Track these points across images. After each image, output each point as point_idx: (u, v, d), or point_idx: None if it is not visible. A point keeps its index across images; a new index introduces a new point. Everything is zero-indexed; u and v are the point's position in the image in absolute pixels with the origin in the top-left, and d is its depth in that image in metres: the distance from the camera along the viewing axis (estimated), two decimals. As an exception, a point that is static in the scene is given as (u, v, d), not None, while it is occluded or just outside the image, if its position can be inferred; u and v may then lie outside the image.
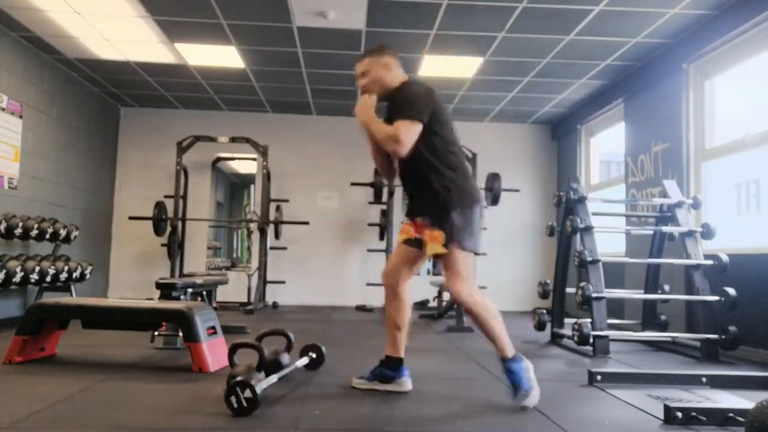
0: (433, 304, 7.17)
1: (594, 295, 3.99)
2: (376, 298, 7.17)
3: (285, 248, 7.57)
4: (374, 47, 2.83)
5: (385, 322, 2.80)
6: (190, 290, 4.10)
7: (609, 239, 5.86)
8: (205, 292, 4.54)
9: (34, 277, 4.90)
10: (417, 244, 2.65)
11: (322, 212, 7.84)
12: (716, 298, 4.00)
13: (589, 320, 3.98)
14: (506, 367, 2.49)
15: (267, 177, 7.19)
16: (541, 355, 4.13)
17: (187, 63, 5.94)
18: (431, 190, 2.55)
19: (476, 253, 2.57)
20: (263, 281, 6.96)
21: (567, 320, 4.57)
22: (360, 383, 2.74)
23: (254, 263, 7.35)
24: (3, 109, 5.16)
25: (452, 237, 2.48)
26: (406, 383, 2.72)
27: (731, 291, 3.90)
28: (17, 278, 4.69)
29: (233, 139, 6.92)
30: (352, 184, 7.42)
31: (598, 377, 3.00)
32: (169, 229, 7.04)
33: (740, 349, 3.96)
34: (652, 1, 4.32)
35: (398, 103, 2.60)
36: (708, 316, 4.03)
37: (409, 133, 2.50)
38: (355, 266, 7.80)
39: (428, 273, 9.18)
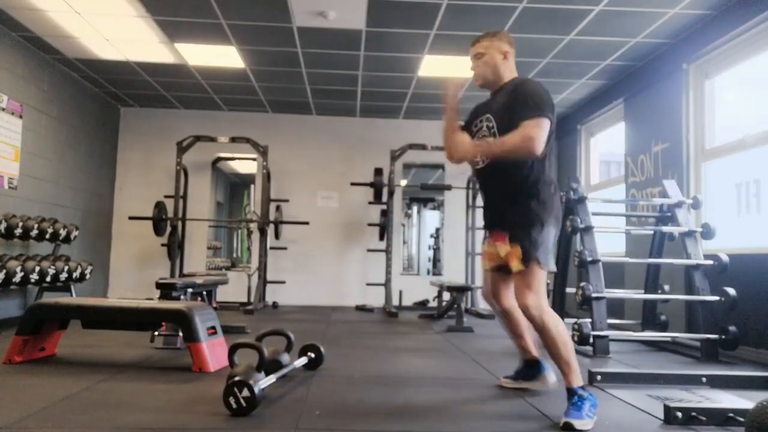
0: (433, 304, 7.17)
1: (594, 295, 3.99)
2: (376, 298, 7.18)
3: (285, 248, 7.58)
4: (492, 31, 2.65)
5: (509, 333, 2.85)
6: (190, 290, 4.10)
7: (609, 239, 5.86)
8: (205, 292, 4.54)
9: (34, 277, 4.91)
10: (506, 269, 2.50)
11: (322, 212, 7.84)
12: (716, 298, 4.00)
13: (589, 320, 3.98)
14: (571, 394, 2.30)
15: (267, 177, 7.19)
16: (541, 355, 4.12)
17: (187, 63, 5.94)
18: (527, 199, 2.40)
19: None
20: (263, 281, 6.96)
21: (567, 320, 4.54)
22: (506, 382, 2.89)
23: (254, 263, 7.35)
24: (3, 109, 5.16)
25: (530, 254, 2.35)
26: (549, 378, 2.75)
27: (731, 291, 3.90)
28: (17, 278, 4.69)
29: (233, 139, 6.92)
30: (352, 184, 7.43)
31: (598, 377, 3.00)
32: (169, 229, 7.04)
33: (740, 349, 3.95)
34: (652, 1, 4.32)
35: (522, 97, 2.40)
36: (708, 316, 4.03)
37: (542, 131, 2.32)
38: (355, 266, 7.80)
39: (428, 273, 9.20)
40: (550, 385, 2.74)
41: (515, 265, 2.38)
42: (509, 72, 2.60)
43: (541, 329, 2.37)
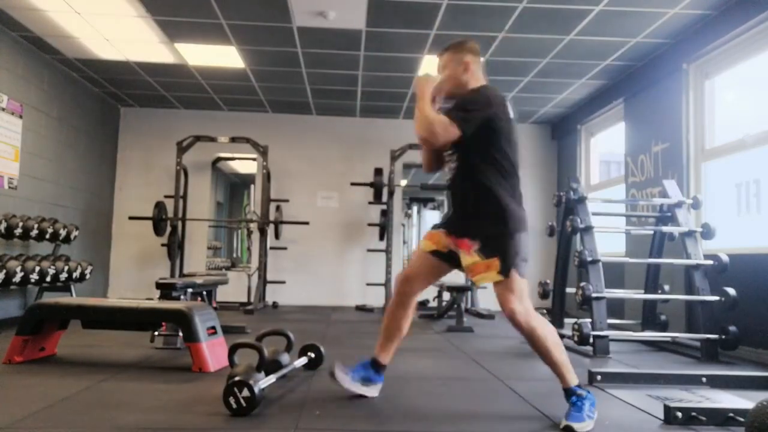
0: (433, 304, 7.17)
1: (594, 295, 3.99)
2: (376, 298, 7.18)
3: (285, 248, 7.58)
4: (457, 41, 2.59)
5: (385, 324, 2.61)
6: (190, 290, 4.10)
7: (609, 239, 5.86)
8: (205, 292, 4.54)
9: (34, 277, 4.90)
10: (447, 258, 2.48)
11: (322, 212, 7.84)
12: (716, 298, 4.00)
13: (589, 320, 3.97)
14: (569, 395, 2.28)
15: (267, 177, 7.20)
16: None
17: (187, 63, 5.94)
18: (490, 210, 2.34)
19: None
20: (263, 281, 6.96)
21: (567, 320, 4.57)
22: (343, 379, 2.56)
23: (254, 263, 7.35)
24: (3, 109, 5.16)
25: (510, 264, 2.29)
26: (377, 390, 2.61)
27: (731, 291, 3.90)
28: (17, 278, 4.69)
29: (233, 139, 6.92)
30: (352, 184, 7.43)
31: (598, 377, 3.00)
32: (169, 229, 7.04)
33: (740, 349, 3.95)
34: (652, 1, 4.32)
35: (456, 102, 2.41)
36: (708, 316, 4.03)
37: (445, 131, 2.30)
38: (355, 266, 7.80)
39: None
40: (371, 395, 2.59)
41: (491, 276, 2.30)
42: (474, 81, 2.52)
43: (529, 335, 2.31)
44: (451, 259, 2.49)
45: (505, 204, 2.34)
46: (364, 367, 2.61)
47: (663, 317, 4.69)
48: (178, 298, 3.93)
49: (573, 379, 2.30)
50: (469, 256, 2.34)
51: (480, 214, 2.36)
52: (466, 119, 2.32)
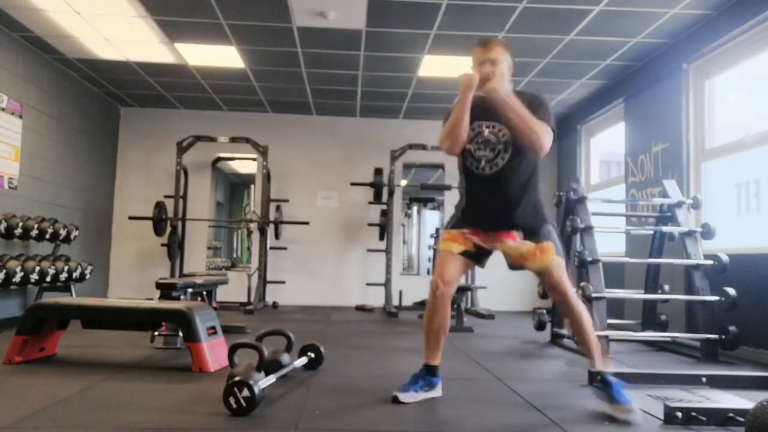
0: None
1: (594, 295, 3.99)
2: (376, 298, 7.17)
3: (285, 248, 7.58)
4: (501, 39, 2.63)
5: (429, 330, 2.62)
6: (190, 290, 4.10)
7: (609, 239, 5.86)
8: (205, 292, 4.54)
9: (34, 277, 4.91)
10: (474, 255, 2.64)
11: (322, 212, 7.84)
12: (716, 298, 4.00)
13: (589, 320, 3.97)
14: (602, 379, 2.48)
15: (267, 177, 7.20)
16: (541, 355, 4.13)
17: (187, 63, 5.94)
18: (532, 202, 2.61)
19: None
20: (263, 281, 6.96)
21: (567, 320, 4.56)
22: (405, 397, 2.53)
23: (254, 263, 7.35)
24: (3, 109, 5.16)
25: (560, 247, 2.61)
26: (439, 389, 2.65)
27: (731, 291, 3.90)
28: (17, 278, 4.69)
29: (233, 139, 6.92)
30: (352, 184, 7.43)
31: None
32: (169, 229, 7.04)
33: (740, 349, 3.95)
34: (652, 1, 4.32)
35: (536, 106, 2.56)
36: (708, 316, 4.03)
37: (550, 140, 2.56)
38: (355, 266, 7.80)
39: (428, 273, 9.20)
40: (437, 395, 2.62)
41: (550, 260, 2.52)
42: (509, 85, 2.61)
43: (577, 314, 2.56)
44: (477, 256, 2.67)
45: (538, 196, 2.66)
46: (420, 377, 2.62)
47: (663, 317, 4.69)
48: (178, 298, 3.93)
49: (602, 364, 2.52)
50: (519, 243, 2.57)
51: (529, 205, 2.60)
52: (553, 127, 2.57)
